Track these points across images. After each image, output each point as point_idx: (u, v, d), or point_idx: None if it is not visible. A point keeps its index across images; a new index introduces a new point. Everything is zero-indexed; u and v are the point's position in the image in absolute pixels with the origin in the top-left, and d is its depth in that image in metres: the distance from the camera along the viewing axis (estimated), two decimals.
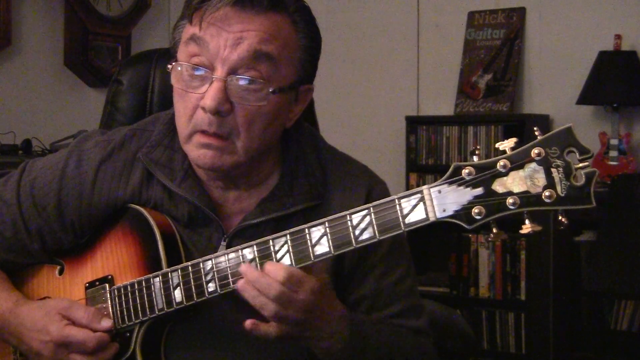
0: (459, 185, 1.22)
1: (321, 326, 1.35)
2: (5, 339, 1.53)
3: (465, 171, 1.21)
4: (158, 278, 1.43)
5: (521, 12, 4.22)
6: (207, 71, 1.38)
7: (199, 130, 1.40)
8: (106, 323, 1.45)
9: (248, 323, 1.32)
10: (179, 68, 1.42)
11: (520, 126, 3.98)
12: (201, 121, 1.39)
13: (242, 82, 1.38)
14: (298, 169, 1.50)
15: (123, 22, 4.64)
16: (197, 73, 1.40)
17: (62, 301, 1.49)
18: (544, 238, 3.79)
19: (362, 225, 1.28)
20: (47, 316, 1.45)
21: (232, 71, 1.37)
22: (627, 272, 2.97)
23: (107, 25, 4.55)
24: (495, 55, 4.22)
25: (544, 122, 4.09)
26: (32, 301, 1.53)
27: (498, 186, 1.20)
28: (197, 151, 1.42)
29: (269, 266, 1.31)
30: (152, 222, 1.46)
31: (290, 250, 1.32)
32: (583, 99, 3.91)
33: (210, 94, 1.37)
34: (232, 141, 1.40)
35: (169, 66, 1.44)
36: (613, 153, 3.87)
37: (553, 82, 4.17)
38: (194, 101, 1.40)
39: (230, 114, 1.38)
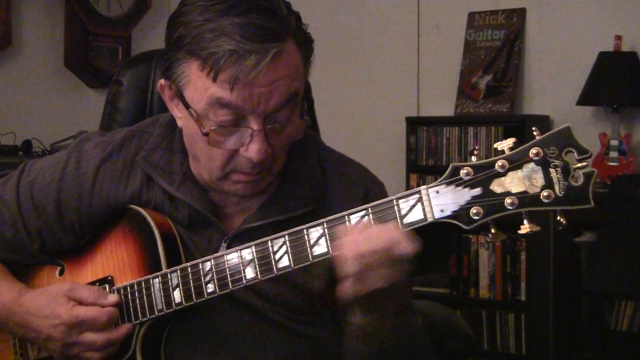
0: (457, 185, 1.22)
1: (388, 303, 1.33)
2: (11, 330, 1.54)
3: (463, 171, 1.21)
4: (157, 279, 1.43)
5: (521, 12, 4.22)
6: (240, 121, 1.35)
7: (239, 171, 1.41)
8: (112, 297, 1.45)
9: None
10: (205, 122, 1.37)
11: (521, 127, 3.98)
12: (243, 165, 1.39)
13: (278, 125, 1.37)
14: (299, 171, 1.51)
15: (123, 23, 4.64)
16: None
17: (65, 284, 1.49)
18: (544, 239, 3.79)
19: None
20: (53, 300, 1.45)
21: (267, 117, 1.35)
22: (627, 273, 2.97)
23: (107, 26, 4.56)
24: (496, 56, 4.22)
25: (544, 123, 4.08)
26: (34, 289, 1.52)
27: (496, 186, 1.20)
28: (235, 186, 1.43)
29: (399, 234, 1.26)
30: (152, 223, 1.46)
31: (289, 251, 1.32)
32: (583, 100, 3.91)
33: (256, 149, 1.35)
34: (269, 169, 1.42)
35: (188, 111, 1.39)
36: (613, 154, 3.86)
37: (553, 83, 4.17)
38: (229, 150, 1.38)
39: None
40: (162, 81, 1.44)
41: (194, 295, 1.39)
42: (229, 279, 1.37)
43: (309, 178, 1.50)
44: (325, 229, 1.30)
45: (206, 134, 1.36)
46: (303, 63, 1.40)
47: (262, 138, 1.35)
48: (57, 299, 1.45)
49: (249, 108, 1.33)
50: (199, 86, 1.35)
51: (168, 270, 1.42)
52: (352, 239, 1.26)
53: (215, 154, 1.40)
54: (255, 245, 1.35)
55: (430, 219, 1.24)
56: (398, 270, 1.27)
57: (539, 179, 1.18)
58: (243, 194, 1.45)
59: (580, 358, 3.85)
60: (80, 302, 1.45)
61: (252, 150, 1.36)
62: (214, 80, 1.33)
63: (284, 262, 1.33)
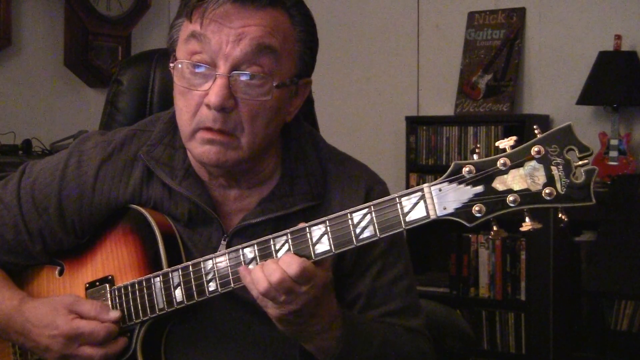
0: (460, 183, 1.22)
1: (313, 321, 1.34)
2: (10, 338, 1.53)
3: (465, 169, 1.22)
4: (158, 278, 1.43)
5: (521, 12, 4.23)
6: (210, 68, 1.38)
7: (203, 127, 1.40)
8: (114, 313, 1.45)
9: (242, 268, 1.33)
10: (180, 66, 1.41)
11: (520, 126, 3.98)
12: (205, 118, 1.39)
13: (245, 78, 1.38)
14: (298, 168, 1.51)
15: (123, 22, 4.64)
16: (198, 70, 1.40)
17: (68, 296, 1.49)
18: (544, 238, 3.79)
19: (363, 224, 1.28)
20: (54, 311, 1.45)
21: (235, 67, 1.37)
22: (627, 272, 2.97)
23: (107, 26, 4.56)
24: (495, 56, 4.22)
25: (544, 122, 4.09)
26: (36, 298, 1.52)
27: (498, 184, 1.20)
28: (201, 148, 1.41)
29: (285, 257, 1.30)
30: (153, 223, 1.46)
31: (291, 249, 1.32)
32: (583, 99, 3.91)
33: (214, 91, 1.37)
34: (236, 137, 1.40)
35: (171, 64, 1.44)
36: (613, 153, 3.86)
37: (553, 82, 4.17)
38: (197, 98, 1.40)
39: (234, 110, 1.38)
40: (171, 64, 1.45)
41: (195, 294, 1.39)
42: (230, 277, 1.37)
43: (307, 175, 1.50)
44: (328, 227, 1.30)
45: (173, 64, 1.42)
46: (298, 40, 1.43)
47: (224, 83, 1.37)
48: (58, 310, 1.45)
49: (216, 46, 1.37)
50: (182, 34, 1.43)
51: (169, 269, 1.42)
52: (252, 279, 1.31)
53: (185, 106, 1.42)
54: (257, 243, 1.35)
55: (432, 217, 1.24)
56: (305, 294, 1.30)
57: (541, 177, 1.18)
58: (209, 160, 1.42)
59: (580, 358, 3.85)
60: (81, 316, 1.45)
61: (212, 92, 1.37)
62: (190, 19, 1.39)
63: None
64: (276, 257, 1.33)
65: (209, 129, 1.39)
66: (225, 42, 1.37)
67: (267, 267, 1.30)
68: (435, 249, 4.33)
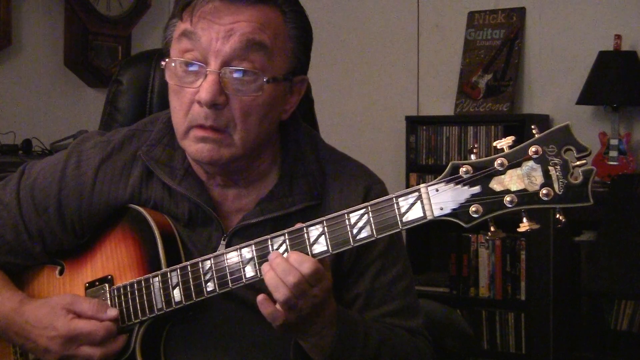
0: (457, 183, 1.22)
1: (315, 321, 1.35)
2: (10, 339, 1.54)
3: (462, 169, 1.21)
4: (157, 278, 1.43)
5: (521, 12, 4.22)
6: (201, 65, 1.39)
7: (196, 125, 1.40)
8: (112, 312, 1.46)
9: (260, 297, 1.31)
10: (173, 64, 1.42)
11: (520, 126, 3.97)
12: (197, 115, 1.39)
13: (236, 74, 1.38)
14: (297, 169, 1.51)
15: (123, 22, 4.64)
16: (190, 68, 1.40)
17: (66, 296, 1.49)
18: (544, 238, 3.78)
19: (360, 224, 1.28)
20: (53, 312, 1.46)
21: (226, 63, 1.38)
22: (627, 272, 2.97)
23: (107, 26, 4.56)
24: (495, 56, 4.22)
25: (544, 122, 4.09)
26: (35, 299, 1.53)
27: (495, 184, 1.20)
28: (195, 145, 1.41)
29: (296, 255, 1.30)
30: (152, 222, 1.46)
31: (289, 249, 1.32)
32: (583, 99, 3.91)
33: (205, 87, 1.37)
34: (229, 134, 1.40)
35: (162, 63, 1.44)
36: (613, 153, 3.86)
37: (553, 82, 4.17)
38: (189, 96, 1.40)
39: (226, 106, 1.39)
40: (162, 62, 1.45)
41: (193, 294, 1.40)
42: (228, 277, 1.37)
43: (306, 175, 1.50)
44: (325, 228, 1.30)
45: (165, 62, 1.42)
46: (291, 37, 1.43)
47: (214, 79, 1.37)
48: (57, 310, 1.46)
49: (206, 43, 1.37)
50: (175, 34, 1.43)
51: (168, 269, 1.42)
52: (284, 267, 1.30)
53: (178, 104, 1.42)
54: (255, 243, 1.35)
55: (429, 217, 1.24)
56: (315, 297, 1.30)
57: (538, 177, 1.18)
58: (203, 157, 1.42)
59: (580, 357, 3.85)
60: (79, 315, 1.45)
61: (203, 89, 1.37)
62: (181, 17, 1.40)
63: None
64: None
65: (201, 126, 1.40)
66: (215, 39, 1.37)
67: (279, 267, 1.29)
68: (435, 249, 4.32)
